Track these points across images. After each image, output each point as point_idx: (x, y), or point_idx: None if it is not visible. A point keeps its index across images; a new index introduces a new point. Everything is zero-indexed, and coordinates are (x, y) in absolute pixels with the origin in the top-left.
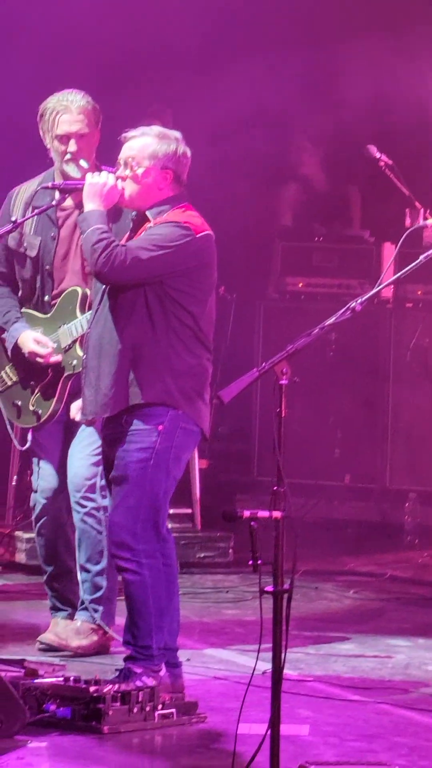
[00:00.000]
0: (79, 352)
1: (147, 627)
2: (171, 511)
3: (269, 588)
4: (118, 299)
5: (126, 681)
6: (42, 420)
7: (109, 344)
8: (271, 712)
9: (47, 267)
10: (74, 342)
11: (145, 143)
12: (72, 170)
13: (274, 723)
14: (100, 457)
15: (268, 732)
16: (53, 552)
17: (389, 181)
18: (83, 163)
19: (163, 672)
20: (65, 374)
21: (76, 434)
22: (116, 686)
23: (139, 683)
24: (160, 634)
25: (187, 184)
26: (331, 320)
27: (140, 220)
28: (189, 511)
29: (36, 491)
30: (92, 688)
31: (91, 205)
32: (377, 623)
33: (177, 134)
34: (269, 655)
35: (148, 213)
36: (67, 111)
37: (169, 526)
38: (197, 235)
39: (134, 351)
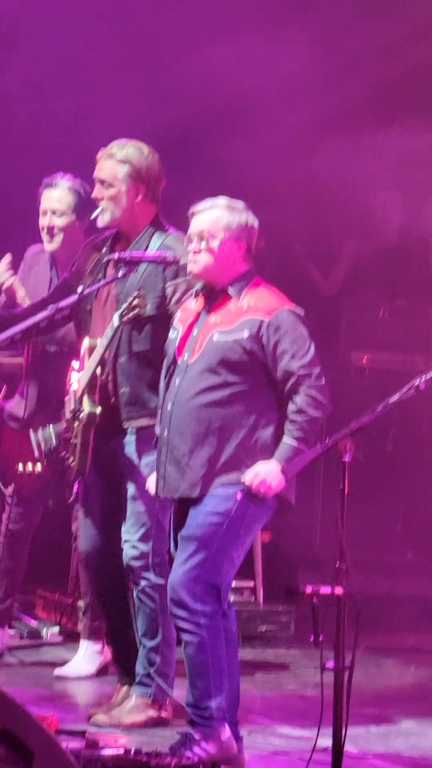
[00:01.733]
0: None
1: (206, 687)
2: (234, 584)
3: (330, 664)
4: (209, 382)
5: (185, 746)
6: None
7: (197, 424)
8: None
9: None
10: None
11: (218, 216)
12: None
13: None
14: (144, 530)
15: None
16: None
17: None
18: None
19: (225, 735)
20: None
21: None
22: (177, 759)
23: (198, 750)
24: (220, 695)
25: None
26: (395, 397)
27: (216, 295)
28: (251, 584)
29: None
30: (153, 761)
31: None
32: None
33: (242, 204)
34: (329, 731)
35: (230, 290)
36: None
37: (231, 599)
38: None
39: (223, 433)
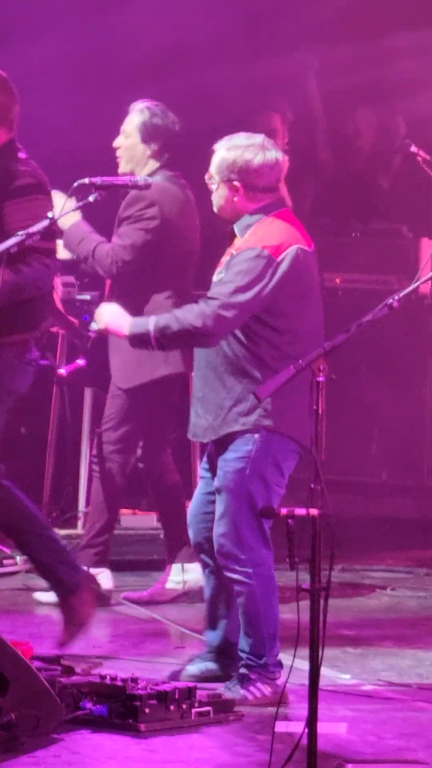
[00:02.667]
0: None
1: (260, 637)
2: None
3: (306, 586)
4: None
5: (242, 684)
6: None
7: (207, 368)
8: (309, 710)
9: None
10: None
11: (216, 157)
12: None
13: (312, 721)
14: None
15: (306, 730)
16: None
17: (424, 174)
18: None
19: (281, 680)
20: None
21: None
22: (152, 683)
23: (254, 689)
24: (274, 643)
25: (277, 189)
26: (369, 317)
27: (230, 234)
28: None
29: None
30: (129, 686)
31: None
32: (414, 620)
33: (255, 139)
34: (307, 653)
35: (235, 228)
36: None
37: None
38: (277, 259)
39: (229, 375)
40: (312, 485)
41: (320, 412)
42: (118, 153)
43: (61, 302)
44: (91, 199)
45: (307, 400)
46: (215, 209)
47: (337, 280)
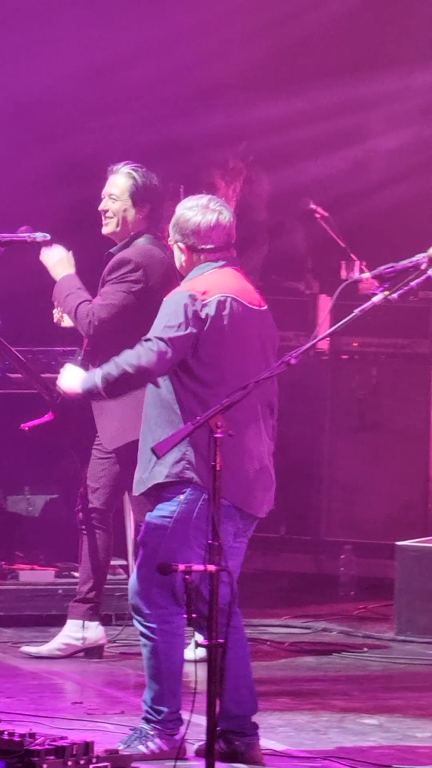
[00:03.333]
0: None
1: (159, 692)
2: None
3: (204, 642)
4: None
5: (139, 740)
6: None
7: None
8: (206, 764)
9: None
10: None
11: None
12: None
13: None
14: None
15: None
16: None
17: (324, 232)
18: None
19: (180, 737)
20: None
21: None
22: (50, 739)
23: (151, 744)
24: (173, 700)
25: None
26: (266, 374)
27: None
28: (124, 562)
29: None
30: (27, 742)
31: None
32: (313, 675)
33: (200, 201)
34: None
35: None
36: None
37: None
38: (202, 301)
39: (157, 427)
40: (209, 541)
41: (218, 468)
42: (107, 215)
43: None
44: None
45: (235, 458)
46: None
47: None
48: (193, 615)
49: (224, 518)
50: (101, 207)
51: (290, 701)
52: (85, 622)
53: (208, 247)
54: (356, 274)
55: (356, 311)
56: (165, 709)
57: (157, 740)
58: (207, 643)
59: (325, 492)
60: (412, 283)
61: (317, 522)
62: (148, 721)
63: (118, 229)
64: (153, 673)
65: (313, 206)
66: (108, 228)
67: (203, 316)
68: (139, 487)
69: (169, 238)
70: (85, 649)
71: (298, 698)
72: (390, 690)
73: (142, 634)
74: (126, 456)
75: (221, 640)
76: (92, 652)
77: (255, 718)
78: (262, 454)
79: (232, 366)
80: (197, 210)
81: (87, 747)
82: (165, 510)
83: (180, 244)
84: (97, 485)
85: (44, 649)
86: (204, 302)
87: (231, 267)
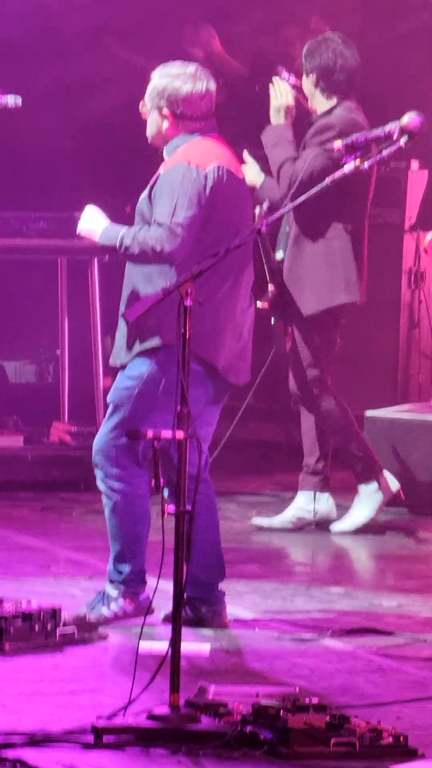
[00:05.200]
0: None
1: (120, 551)
2: (74, 429)
3: (171, 509)
4: None
5: (102, 602)
6: None
7: (124, 290)
8: (172, 631)
9: None
10: None
11: (150, 84)
12: None
13: (175, 642)
14: None
15: (169, 651)
16: None
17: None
18: None
19: (144, 595)
20: None
21: None
22: (18, 604)
23: (114, 605)
24: (135, 559)
25: (208, 117)
26: (237, 242)
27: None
28: (93, 429)
29: None
30: None
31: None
32: (279, 544)
33: (186, 68)
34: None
35: (164, 153)
36: None
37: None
38: (205, 171)
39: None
40: (178, 408)
41: (187, 336)
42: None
43: None
44: None
45: (213, 323)
46: (147, 136)
47: None
48: (162, 483)
49: (195, 384)
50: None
51: (258, 569)
52: (317, 494)
53: (196, 115)
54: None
55: (327, 180)
56: (126, 568)
57: (120, 601)
58: (174, 510)
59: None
60: (384, 153)
61: (284, 391)
62: (111, 581)
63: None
64: (114, 531)
65: (285, 75)
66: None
67: (207, 188)
68: (117, 358)
69: (146, 105)
70: (316, 522)
71: (266, 566)
72: (358, 560)
73: (104, 492)
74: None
75: (189, 507)
76: (323, 524)
77: (222, 585)
78: (241, 323)
79: (229, 233)
80: (186, 78)
81: (54, 612)
82: (135, 370)
83: (165, 111)
84: (308, 361)
85: (276, 521)
86: (206, 172)
87: (213, 135)
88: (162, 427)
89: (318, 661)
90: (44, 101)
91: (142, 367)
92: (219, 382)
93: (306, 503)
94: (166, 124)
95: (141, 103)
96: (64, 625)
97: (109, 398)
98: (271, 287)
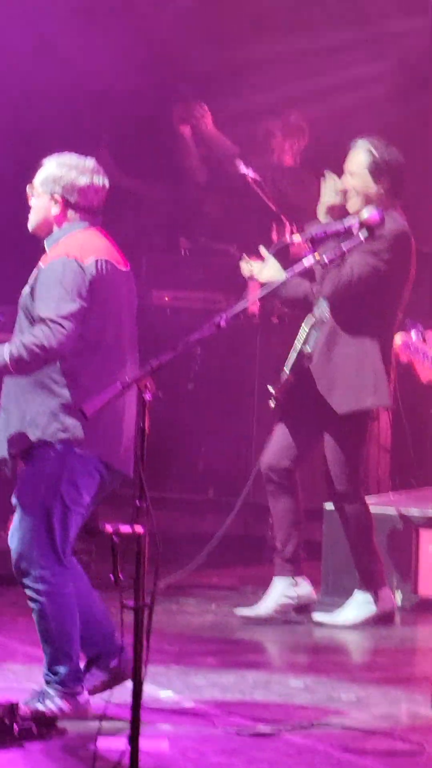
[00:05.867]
0: None
1: (54, 654)
2: None
3: (130, 603)
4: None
5: (40, 700)
6: None
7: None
8: (131, 727)
9: None
10: None
11: (43, 171)
12: None
13: (134, 738)
14: None
15: (128, 747)
16: None
17: (254, 194)
18: None
19: (83, 698)
20: None
21: None
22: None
23: (51, 704)
24: (70, 661)
25: (96, 212)
26: (196, 335)
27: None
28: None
29: None
30: None
31: None
32: (238, 637)
33: (85, 162)
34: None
35: (45, 243)
36: None
37: None
38: (84, 264)
39: (24, 393)
40: (137, 502)
41: (146, 430)
42: (350, 193)
43: None
44: None
45: (113, 416)
46: (30, 223)
47: (166, 298)
48: (120, 577)
49: (92, 476)
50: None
51: (216, 661)
52: (295, 578)
53: (87, 207)
54: (288, 238)
55: (287, 274)
56: (62, 669)
57: (58, 701)
58: (134, 604)
59: (253, 454)
60: (344, 247)
61: (245, 484)
62: (47, 683)
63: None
64: (45, 635)
65: (244, 169)
66: (353, 204)
67: (87, 281)
68: (2, 449)
69: (36, 190)
70: (297, 607)
71: (224, 659)
72: (317, 652)
73: (29, 597)
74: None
75: (147, 602)
76: (304, 609)
77: (181, 678)
78: (131, 413)
79: (108, 324)
80: (85, 170)
81: (12, 708)
82: (36, 466)
83: (58, 197)
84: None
85: (261, 610)
86: (85, 265)
87: (96, 228)
88: (69, 519)
89: (278, 755)
90: None
91: (43, 461)
92: (113, 473)
93: (286, 589)
94: (55, 211)
95: (29, 186)
96: (23, 720)
97: (14, 500)
98: (288, 376)
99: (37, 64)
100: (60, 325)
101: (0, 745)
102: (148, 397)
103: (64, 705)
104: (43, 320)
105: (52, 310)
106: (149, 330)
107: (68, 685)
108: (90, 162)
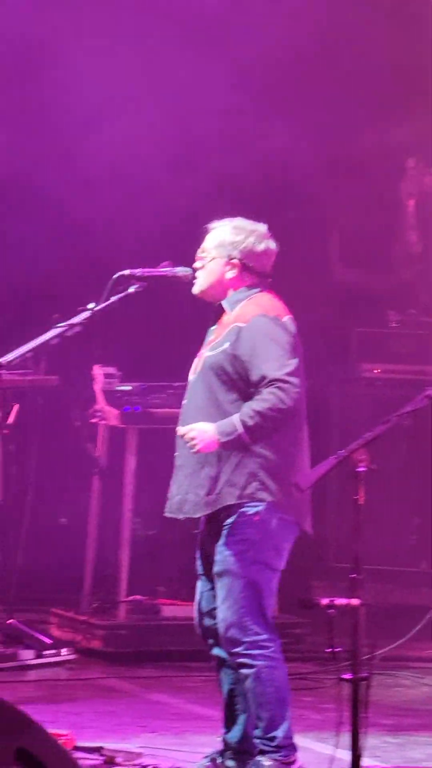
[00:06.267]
0: None
1: (270, 719)
2: None
3: (347, 675)
4: (205, 400)
5: None
6: None
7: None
8: None
9: None
10: None
11: (218, 234)
12: None
13: None
14: None
15: None
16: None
17: None
18: None
19: (297, 764)
20: None
21: None
22: None
23: None
24: (285, 722)
25: (268, 276)
26: (408, 408)
27: (216, 311)
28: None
29: None
30: None
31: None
32: None
33: (254, 227)
34: (347, 742)
35: (223, 303)
36: None
37: None
38: (283, 321)
39: (222, 452)
40: (352, 575)
41: (360, 502)
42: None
43: (101, 392)
44: (131, 290)
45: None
46: (199, 287)
47: (376, 371)
48: (337, 648)
49: (291, 537)
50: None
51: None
52: None
53: (262, 271)
54: None
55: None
56: (278, 735)
57: None
58: (351, 676)
59: None
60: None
61: None
62: (263, 753)
63: None
64: (260, 700)
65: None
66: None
67: (291, 338)
68: (198, 509)
69: (209, 254)
70: None
71: None
72: None
73: (243, 665)
74: None
75: (365, 674)
76: None
77: (397, 752)
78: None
79: (303, 380)
80: (260, 236)
81: None
82: (240, 534)
83: (236, 261)
84: None
85: None
86: (285, 323)
87: (268, 290)
88: (273, 584)
89: None
90: None
91: (247, 528)
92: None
93: None
94: (231, 274)
95: (200, 249)
96: None
97: (217, 569)
98: None
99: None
100: (291, 384)
101: None
102: (362, 469)
103: None
104: (271, 382)
105: (278, 369)
106: (361, 402)
107: (283, 752)
108: (263, 227)
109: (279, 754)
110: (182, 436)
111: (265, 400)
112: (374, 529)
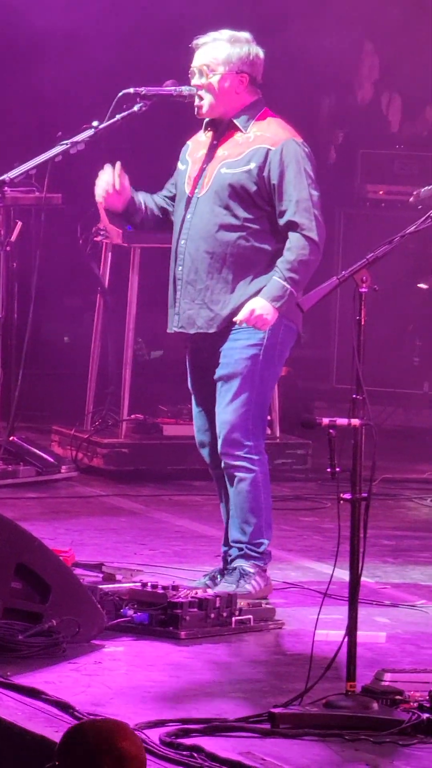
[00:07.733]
0: None
1: (259, 524)
2: None
3: (347, 495)
4: (221, 218)
5: (244, 579)
6: None
7: (212, 259)
8: (349, 619)
9: None
10: None
11: (218, 48)
12: None
13: (351, 630)
14: None
15: (345, 639)
16: None
17: None
18: None
19: (268, 574)
20: None
21: None
22: (193, 591)
23: (254, 582)
24: (270, 531)
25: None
26: (412, 228)
27: (224, 128)
28: (268, 418)
29: None
30: (170, 594)
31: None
32: None
33: (247, 35)
34: (346, 562)
35: (236, 121)
36: None
37: None
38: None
39: (238, 269)
40: (354, 396)
41: (362, 323)
42: None
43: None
44: (135, 108)
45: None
46: (209, 106)
47: (381, 192)
48: (337, 469)
49: (293, 342)
50: None
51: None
52: None
53: (259, 81)
54: None
55: None
56: (265, 541)
57: (258, 578)
58: (351, 496)
59: None
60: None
61: None
62: (247, 557)
63: None
64: (253, 506)
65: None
66: None
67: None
68: (213, 324)
69: (222, 69)
70: None
71: None
72: None
73: (241, 468)
74: None
75: (365, 494)
76: None
77: (398, 572)
78: None
79: None
80: (253, 43)
81: (230, 600)
82: (253, 338)
83: (244, 74)
84: None
85: None
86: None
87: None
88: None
89: None
90: None
91: (259, 333)
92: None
93: None
94: (241, 89)
95: (197, 67)
96: (240, 612)
97: (227, 371)
98: None
99: None
100: (319, 221)
101: (218, 638)
102: (364, 290)
103: (260, 581)
104: (301, 224)
105: (306, 204)
106: (364, 224)
107: (265, 560)
108: (248, 34)
109: (261, 561)
110: (241, 323)
111: (301, 247)
112: (376, 351)
